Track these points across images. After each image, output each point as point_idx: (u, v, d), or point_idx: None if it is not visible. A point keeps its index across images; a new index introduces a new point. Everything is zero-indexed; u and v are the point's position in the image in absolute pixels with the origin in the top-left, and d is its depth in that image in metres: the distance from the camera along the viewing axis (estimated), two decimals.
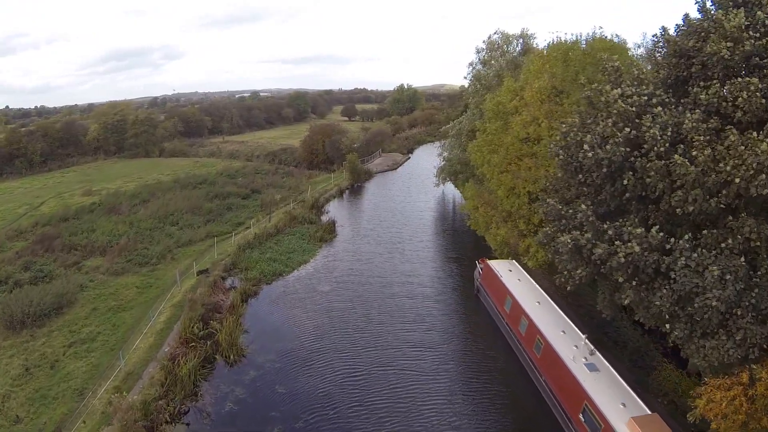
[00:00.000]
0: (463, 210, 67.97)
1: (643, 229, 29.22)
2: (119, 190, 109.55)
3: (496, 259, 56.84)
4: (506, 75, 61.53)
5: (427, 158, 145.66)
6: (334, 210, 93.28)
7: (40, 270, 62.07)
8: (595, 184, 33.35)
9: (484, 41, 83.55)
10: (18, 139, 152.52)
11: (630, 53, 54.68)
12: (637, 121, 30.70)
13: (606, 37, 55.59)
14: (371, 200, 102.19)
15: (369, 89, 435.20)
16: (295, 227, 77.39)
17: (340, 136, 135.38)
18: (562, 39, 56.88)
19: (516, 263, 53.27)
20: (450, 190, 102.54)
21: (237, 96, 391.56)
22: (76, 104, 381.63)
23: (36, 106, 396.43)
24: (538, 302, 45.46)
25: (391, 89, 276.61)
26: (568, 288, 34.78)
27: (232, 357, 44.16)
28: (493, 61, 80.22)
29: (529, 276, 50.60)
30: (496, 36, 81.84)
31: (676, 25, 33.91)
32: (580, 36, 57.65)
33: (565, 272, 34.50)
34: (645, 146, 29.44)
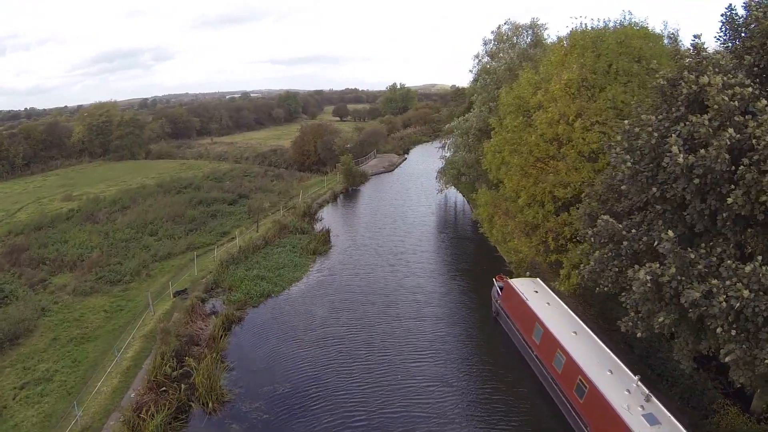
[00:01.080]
0: (476, 218, 59.78)
1: (753, 265, 21.28)
2: (99, 195, 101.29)
3: (512, 274, 50.19)
4: (525, 66, 53.46)
5: (425, 159, 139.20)
6: (329, 217, 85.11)
7: (1, 289, 53.91)
8: (677, 200, 25.31)
9: (492, 32, 76.15)
10: None
11: (664, 42, 46.54)
12: (738, 119, 22.72)
13: (637, 23, 47.53)
14: (368, 205, 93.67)
15: (360, 89, 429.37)
16: (285, 237, 69.28)
17: (332, 137, 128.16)
18: (588, 26, 48.81)
19: (541, 283, 45.45)
20: (452, 192, 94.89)
21: (228, 97, 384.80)
22: (66, 105, 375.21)
23: (26, 108, 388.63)
24: (575, 332, 37.57)
25: (383, 89, 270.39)
26: (639, 334, 27.04)
27: (210, 404, 35.94)
28: (501, 54, 72.40)
29: (558, 299, 42.61)
30: (506, 27, 74.21)
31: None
32: (608, 22, 49.56)
33: (637, 316, 26.65)
34: (756, 151, 21.53)
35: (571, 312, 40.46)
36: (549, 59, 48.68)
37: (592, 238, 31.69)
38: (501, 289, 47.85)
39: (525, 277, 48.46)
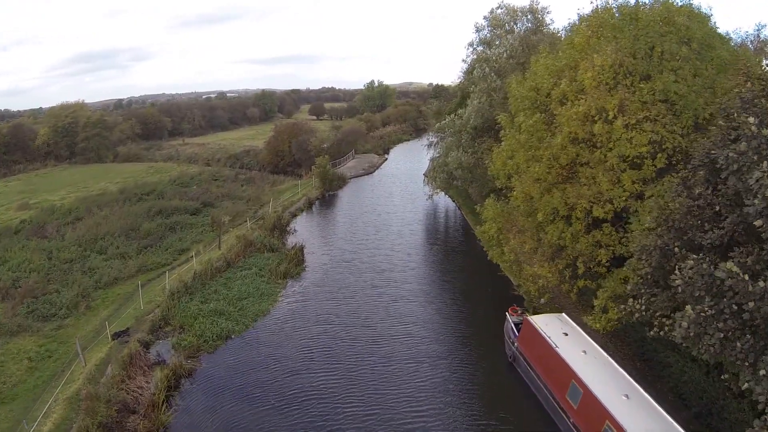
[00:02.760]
0: (482, 236, 48.36)
1: None
2: (56, 203, 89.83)
3: (524, 301, 41.80)
4: (542, 49, 42.52)
5: (407, 159, 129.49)
6: (303, 228, 73.43)
7: None
8: None
9: (485, 17, 65.27)
10: None
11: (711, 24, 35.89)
12: None
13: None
14: (347, 213, 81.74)
15: (337, 88, 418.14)
16: (252, 257, 57.76)
17: (308, 136, 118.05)
18: (612, 3, 38.21)
19: (569, 320, 35.01)
20: (441, 196, 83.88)
21: (204, 97, 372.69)
22: (41, 107, 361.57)
23: (1, 109, 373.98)
24: (626, 396, 27.01)
25: (361, 88, 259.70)
26: None
27: None
28: (498, 41, 61.83)
29: (596, 345, 32.02)
30: (500, 11, 63.50)
31: None
32: None
33: None
34: None
35: (615, 364, 29.96)
36: (571, 42, 38.02)
37: (680, 288, 21.15)
38: (517, 326, 37.49)
39: (543, 308, 38.79)
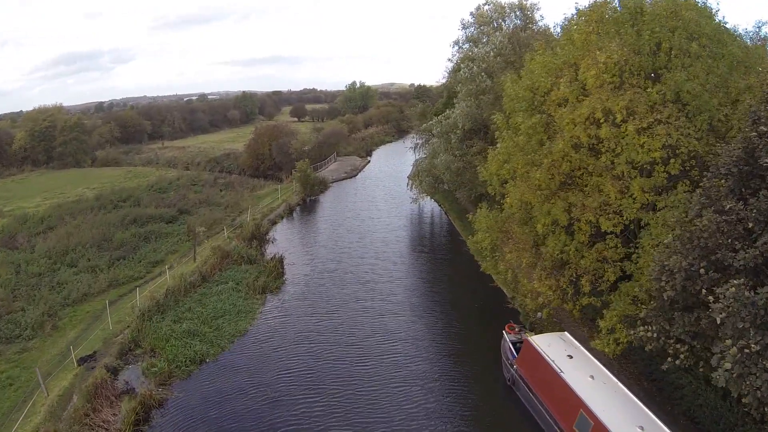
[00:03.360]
0: (474, 247, 44.81)
1: None
2: (29, 211, 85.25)
3: (519, 315, 39.24)
4: (538, 46, 39.21)
5: (390, 161, 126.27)
6: (282, 237, 69.52)
7: None
8: None
9: (471, 13, 62.33)
10: None
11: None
12: None
13: None
14: (329, 219, 77.77)
15: (319, 89, 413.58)
16: (228, 270, 53.89)
17: (288, 139, 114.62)
18: None
19: (572, 340, 31.92)
20: (426, 200, 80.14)
21: (185, 99, 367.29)
22: (21, 110, 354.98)
23: None
24: (641, 428, 23.96)
25: (342, 89, 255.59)
26: None
27: None
28: (485, 39, 58.79)
29: (605, 369, 28.93)
30: (487, 7, 60.52)
31: None
32: None
33: None
34: None
35: (626, 390, 26.91)
36: (569, 38, 34.85)
37: (721, 319, 18.07)
38: (515, 345, 34.41)
39: (541, 323, 36.16)
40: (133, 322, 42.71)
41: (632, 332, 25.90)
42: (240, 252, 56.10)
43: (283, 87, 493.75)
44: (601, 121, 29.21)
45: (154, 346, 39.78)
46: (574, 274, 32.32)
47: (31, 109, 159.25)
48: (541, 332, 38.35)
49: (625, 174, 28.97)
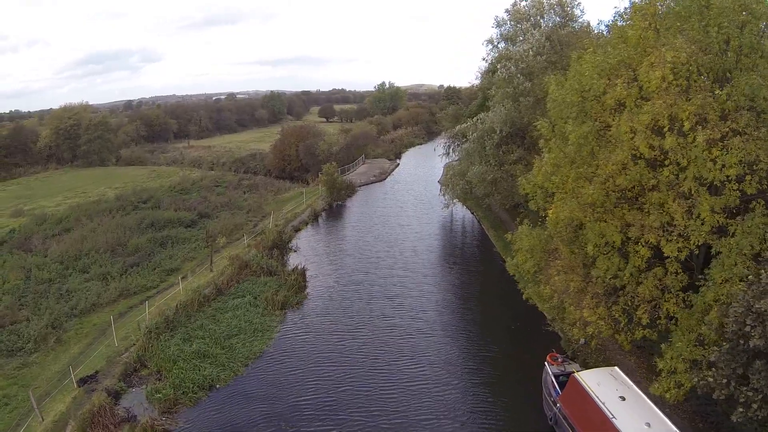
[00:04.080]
0: (514, 271, 40.40)
1: None
2: (49, 211, 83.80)
3: (558, 341, 35.71)
4: (587, 44, 34.83)
5: (420, 164, 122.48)
6: (306, 245, 65.56)
7: None
8: None
9: (507, 10, 58.26)
10: None
11: None
12: None
13: None
14: (356, 227, 73.63)
15: (348, 90, 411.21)
16: (246, 281, 50.21)
17: (316, 140, 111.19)
18: None
19: (625, 378, 27.84)
20: (458, 206, 75.92)
21: (213, 98, 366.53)
22: (51, 108, 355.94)
23: (10, 111, 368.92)
24: None
25: (371, 89, 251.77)
26: None
27: None
28: (521, 37, 54.73)
29: (660, 413, 24.89)
30: (524, 3, 56.50)
31: None
32: None
33: None
34: None
35: None
36: (622, 36, 30.57)
37: None
38: (558, 378, 30.50)
39: (584, 351, 31.96)
40: (140, 339, 39.25)
41: (698, 376, 22.11)
42: (259, 262, 52.37)
43: (311, 87, 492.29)
44: (665, 129, 25.08)
45: (160, 367, 36.37)
46: (629, 303, 28.24)
47: (59, 108, 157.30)
48: (584, 361, 34.59)
49: (692, 191, 24.77)
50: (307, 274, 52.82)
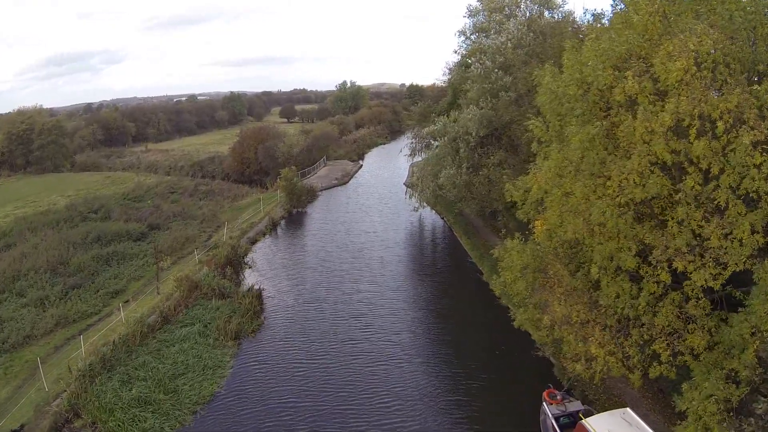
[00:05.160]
0: (501, 289, 35.00)
1: None
2: None
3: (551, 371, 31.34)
4: (591, 28, 29.66)
5: (384, 165, 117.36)
6: (263, 260, 58.98)
7: None
8: None
9: None
10: None
11: None
12: None
13: None
14: (318, 236, 67.29)
15: (309, 90, 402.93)
16: (196, 305, 43.91)
17: (275, 141, 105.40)
18: None
19: (639, 421, 23.34)
20: (426, 212, 70.79)
21: (175, 100, 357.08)
22: (10, 111, 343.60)
23: None
24: None
25: (332, 89, 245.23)
26: None
27: None
28: (498, 27, 50.07)
29: None
30: None
31: None
32: None
33: None
34: None
35: None
36: (626, 21, 25.61)
37: None
38: (558, 421, 25.90)
39: (579, 384, 27.73)
40: (73, 383, 33.30)
41: (734, 426, 18.48)
42: (210, 283, 46.03)
43: (275, 88, 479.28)
44: (692, 131, 20.29)
45: (95, 418, 30.36)
46: (644, 336, 23.49)
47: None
48: (583, 394, 29.96)
49: (730, 206, 20.00)
50: (264, 294, 46.86)
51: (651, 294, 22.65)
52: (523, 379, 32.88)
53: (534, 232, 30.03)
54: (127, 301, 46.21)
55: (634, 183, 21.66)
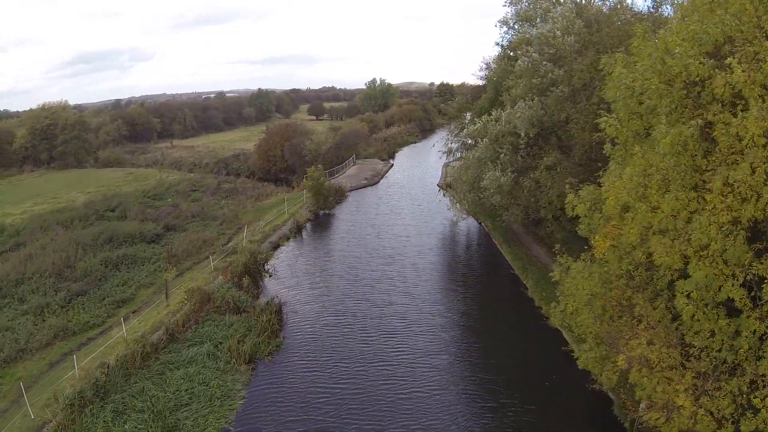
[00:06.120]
0: (560, 322, 29.21)
1: None
2: (5, 222, 72.86)
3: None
4: (681, 6, 24.10)
5: (415, 165, 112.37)
6: (285, 268, 53.51)
7: None
8: None
9: None
10: None
11: None
12: None
13: None
14: (345, 242, 61.68)
15: (338, 87, 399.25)
16: (208, 320, 39.05)
17: (303, 139, 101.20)
18: None
19: None
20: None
21: (203, 97, 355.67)
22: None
23: None
24: None
25: (361, 87, 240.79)
26: None
27: None
28: (543, 15, 44.57)
29: None
30: None
31: None
32: None
33: None
34: None
35: None
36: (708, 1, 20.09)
37: None
38: None
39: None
40: (60, 413, 28.47)
41: None
42: (225, 296, 40.97)
43: (302, 85, 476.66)
44: None
45: None
46: (744, 387, 18.11)
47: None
48: None
49: None
50: (285, 308, 41.97)
51: (753, 334, 17.38)
52: (578, 416, 28.22)
53: (594, 248, 24.55)
54: (134, 311, 41.81)
55: (743, 197, 16.36)
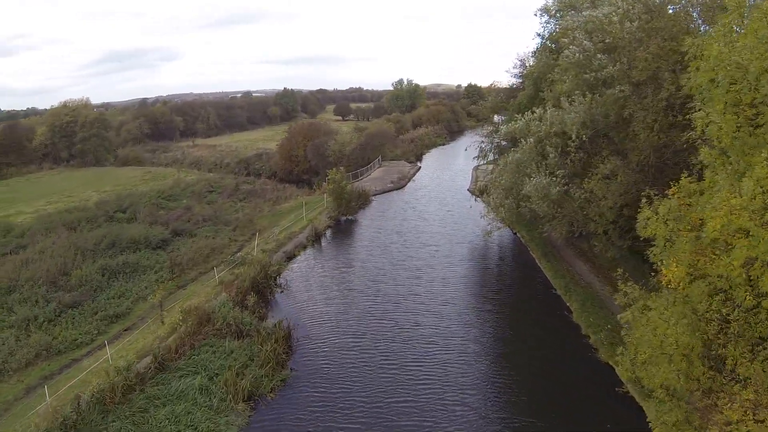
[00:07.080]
0: (629, 376, 23.01)
1: None
2: (13, 222, 69.79)
3: None
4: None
5: (444, 167, 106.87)
6: (300, 281, 48.67)
7: None
8: None
9: None
10: None
11: None
12: None
13: None
14: (368, 251, 56.42)
15: (365, 88, 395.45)
16: (205, 345, 33.74)
17: (326, 139, 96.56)
18: None
19: None
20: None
21: (230, 96, 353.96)
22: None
23: (27, 108, 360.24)
24: None
25: (388, 89, 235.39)
26: None
27: None
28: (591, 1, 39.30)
29: None
30: None
31: None
32: None
33: None
34: None
35: None
36: None
37: None
38: None
39: None
40: None
41: None
42: (227, 317, 35.66)
43: (329, 86, 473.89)
44: None
45: None
46: None
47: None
48: None
49: None
50: (295, 332, 36.57)
51: None
52: None
53: (664, 276, 19.12)
54: (127, 329, 37.08)
55: None
